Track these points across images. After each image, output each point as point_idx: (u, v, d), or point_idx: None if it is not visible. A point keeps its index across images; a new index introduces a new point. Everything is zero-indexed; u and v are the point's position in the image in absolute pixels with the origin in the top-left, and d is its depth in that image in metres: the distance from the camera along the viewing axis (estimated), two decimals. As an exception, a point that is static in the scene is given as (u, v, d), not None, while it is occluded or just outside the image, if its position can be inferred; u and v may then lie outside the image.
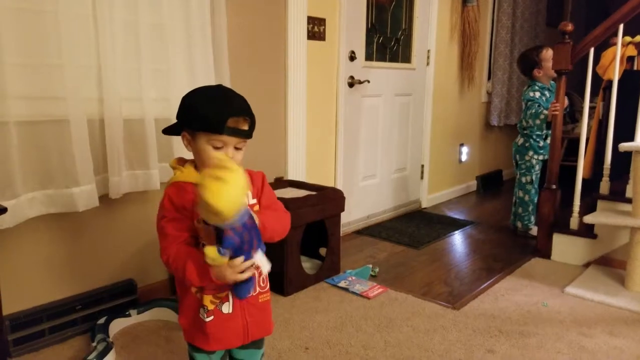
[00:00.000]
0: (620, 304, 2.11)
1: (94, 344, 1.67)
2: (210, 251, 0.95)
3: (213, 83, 2.06)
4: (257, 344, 1.24)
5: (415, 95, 3.50)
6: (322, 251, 2.43)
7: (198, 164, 1.12)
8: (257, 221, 1.03)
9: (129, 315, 1.90)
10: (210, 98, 1.09)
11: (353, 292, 2.20)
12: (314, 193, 2.32)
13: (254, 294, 1.14)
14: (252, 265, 1.01)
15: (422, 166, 3.67)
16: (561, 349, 1.79)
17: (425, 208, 3.70)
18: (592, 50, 2.51)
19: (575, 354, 1.75)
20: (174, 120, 1.17)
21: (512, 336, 1.87)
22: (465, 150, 4.07)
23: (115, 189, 1.83)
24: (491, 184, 4.44)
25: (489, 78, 4.24)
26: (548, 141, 2.84)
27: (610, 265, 2.49)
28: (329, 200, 2.34)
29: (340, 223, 2.45)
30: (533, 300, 2.17)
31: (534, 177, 3.00)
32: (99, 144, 1.81)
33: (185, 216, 1.08)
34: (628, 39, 2.99)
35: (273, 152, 2.56)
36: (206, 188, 0.91)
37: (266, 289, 1.19)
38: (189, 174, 1.12)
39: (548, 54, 2.87)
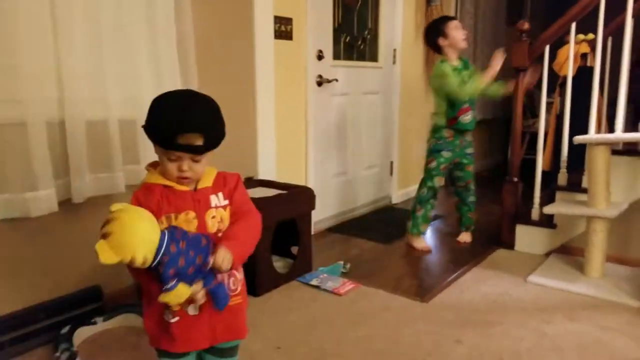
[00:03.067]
0: (579, 290, 2.21)
1: (57, 355, 1.63)
2: (164, 297, 1.00)
3: (179, 83, 2.05)
4: (230, 352, 1.24)
5: (383, 94, 3.55)
6: (294, 250, 2.44)
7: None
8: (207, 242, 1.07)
9: (95, 323, 1.86)
10: (165, 110, 1.07)
11: (325, 290, 2.23)
12: (284, 192, 2.33)
13: None
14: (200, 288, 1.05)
15: (392, 163, 3.73)
16: (524, 336, 1.86)
17: (395, 204, 3.76)
18: (547, 48, 2.61)
19: (537, 340, 1.82)
20: (139, 122, 1.17)
21: (478, 326, 1.93)
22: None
23: (78, 193, 1.80)
24: (458, 179, 4.54)
25: (453, 76, 4.33)
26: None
27: (569, 253, 2.60)
28: (299, 198, 2.36)
29: (311, 221, 2.47)
30: (498, 290, 2.24)
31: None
32: (60, 146, 1.76)
33: None
34: (581, 36, 3.12)
35: (243, 152, 2.56)
36: (97, 251, 0.98)
37: (237, 292, 1.18)
38: (157, 177, 1.13)
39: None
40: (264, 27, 2.52)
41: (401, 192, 3.85)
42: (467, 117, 2.68)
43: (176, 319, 1.10)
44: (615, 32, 2.80)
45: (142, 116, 1.12)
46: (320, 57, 2.95)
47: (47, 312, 1.81)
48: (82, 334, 1.81)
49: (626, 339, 1.83)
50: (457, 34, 2.65)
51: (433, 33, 2.72)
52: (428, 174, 2.76)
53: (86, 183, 1.82)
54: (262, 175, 2.61)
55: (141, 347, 1.76)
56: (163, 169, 1.11)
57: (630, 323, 1.94)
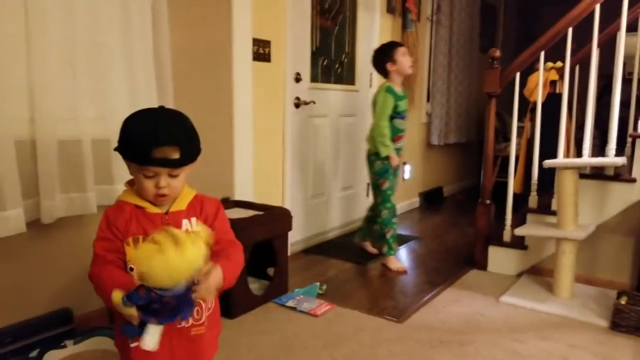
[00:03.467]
0: (549, 309, 2.26)
1: (26, 378, 1.58)
2: (116, 295, 0.96)
3: (155, 102, 2.05)
4: None
5: (360, 116, 3.61)
6: (270, 271, 2.43)
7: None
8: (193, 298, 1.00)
9: (65, 346, 1.80)
10: (138, 126, 1.05)
11: (301, 311, 2.22)
12: (261, 213, 2.33)
13: (186, 326, 1.12)
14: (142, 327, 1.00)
15: (368, 184, 3.76)
16: (496, 355, 1.88)
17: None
18: (518, 74, 2.71)
19: (509, 358, 1.85)
20: (113, 141, 1.17)
21: (452, 346, 1.94)
22: (408, 168, 4.23)
23: (48, 214, 1.76)
24: (433, 200, 4.62)
25: (427, 100, 4.45)
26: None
27: (540, 274, 2.65)
28: (276, 219, 2.36)
29: (288, 242, 2.47)
30: (471, 310, 2.27)
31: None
32: (31, 166, 1.73)
33: (115, 236, 1.08)
34: (550, 64, 3.26)
35: (219, 172, 2.55)
36: (145, 252, 0.94)
37: (201, 322, 1.15)
38: (131, 195, 1.12)
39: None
40: (242, 49, 2.55)
41: (378, 213, 3.87)
42: (399, 144, 2.86)
43: (135, 344, 1.06)
44: (582, 61, 2.93)
45: (115, 135, 1.11)
46: (298, 79, 3.00)
47: (14, 335, 1.75)
48: (52, 357, 1.76)
49: (594, 357, 1.87)
50: (405, 60, 2.76)
51: (382, 57, 2.80)
52: (384, 195, 2.82)
53: (56, 203, 1.79)
54: (238, 196, 2.61)
55: (111, 372, 1.72)
56: (139, 188, 1.09)
57: (598, 342, 1.98)
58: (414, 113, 4.21)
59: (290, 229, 2.44)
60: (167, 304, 0.96)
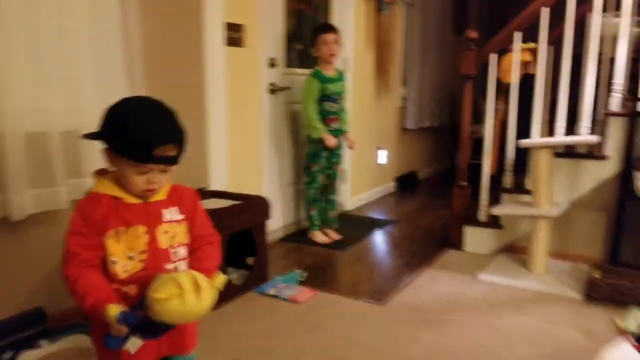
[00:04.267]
0: (525, 285, 2.32)
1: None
2: (112, 311, 0.98)
3: (125, 90, 1.98)
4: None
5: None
6: (249, 260, 2.41)
7: (121, 181, 1.07)
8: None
9: (39, 346, 1.74)
10: (139, 123, 1.01)
11: (283, 298, 2.21)
12: (238, 202, 2.29)
13: None
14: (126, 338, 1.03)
15: (344, 170, 3.76)
16: (478, 331, 1.92)
17: (349, 211, 3.79)
18: (492, 56, 2.73)
19: (489, 335, 1.89)
20: (84, 131, 1.11)
21: (434, 325, 1.97)
22: (383, 153, 4.24)
23: (17, 210, 1.69)
24: (408, 184, 4.66)
25: (402, 84, 4.45)
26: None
27: (515, 251, 2.71)
28: (254, 208, 2.33)
29: (266, 231, 2.45)
30: (451, 290, 2.31)
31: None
32: (-3, 160, 1.66)
33: (92, 231, 1.03)
34: (524, 45, 3.28)
35: (194, 162, 2.50)
36: (166, 293, 0.96)
37: None
38: (106, 186, 1.07)
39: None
40: (214, 34, 2.48)
41: (355, 198, 3.89)
42: (335, 125, 2.93)
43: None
44: (555, 42, 2.96)
45: (86, 126, 1.06)
46: (272, 64, 2.95)
47: (-16, 337, 1.68)
48: (27, 359, 1.70)
49: (570, 329, 1.93)
50: (323, 49, 2.82)
51: (312, 39, 2.90)
52: (313, 176, 2.95)
53: (25, 199, 1.72)
54: (214, 186, 2.56)
55: (90, 369, 1.67)
56: (126, 183, 1.05)
57: (573, 314, 2.05)
58: (389, 97, 4.21)
59: (268, 217, 2.42)
60: (158, 327, 1.02)
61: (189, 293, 0.96)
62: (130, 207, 1.07)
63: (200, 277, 1.00)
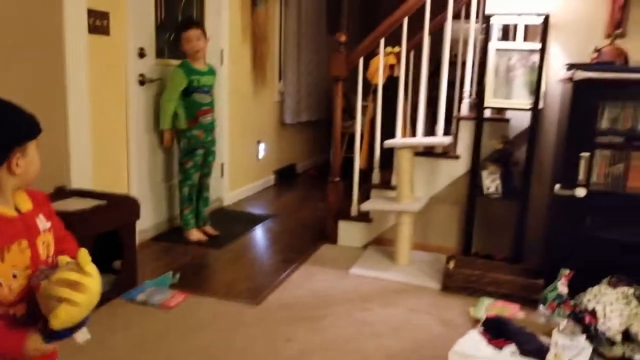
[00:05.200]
0: (391, 277, 2.51)
1: None
2: (33, 342, 0.95)
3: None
4: None
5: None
6: (116, 264, 2.25)
7: None
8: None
9: None
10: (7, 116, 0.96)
11: (152, 305, 2.11)
12: (103, 202, 2.12)
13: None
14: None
15: (222, 164, 3.69)
16: (348, 325, 2.04)
17: (227, 206, 3.74)
18: (361, 60, 2.87)
19: (359, 327, 2.02)
20: None
21: (308, 321, 2.05)
22: (262, 147, 4.24)
23: None
24: (286, 177, 4.74)
25: (279, 79, 4.49)
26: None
27: (383, 244, 2.92)
28: (121, 208, 2.19)
29: (135, 231, 2.31)
30: (325, 285, 2.41)
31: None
32: None
33: None
34: (389, 49, 3.52)
35: (51, 159, 2.24)
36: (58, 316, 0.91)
37: None
38: None
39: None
40: (75, 21, 2.26)
41: (233, 193, 3.84)
42: (207, 118, 2.87)
43: None
44: (416, 46, 3.21)
45: None
46: (142, 54, 2.76)
47: None
48: None
49: (430, 318, 2.12)
50: (187, 46, 2.80)
51: (175, 37, 2.87)
52: (187, 173, 2.88)
53: None
54: (75, 184, 2.34)
55: None
56: None
57: (432, 304, 2.25)
58: (266, 92, 4.21)
59: (137, 217, 2.28)
60: (76, 326, 1.00)
61: (72, 295, 0.92)
62: (9, 222, 0.97)
63: (65, 274, 0.95)
